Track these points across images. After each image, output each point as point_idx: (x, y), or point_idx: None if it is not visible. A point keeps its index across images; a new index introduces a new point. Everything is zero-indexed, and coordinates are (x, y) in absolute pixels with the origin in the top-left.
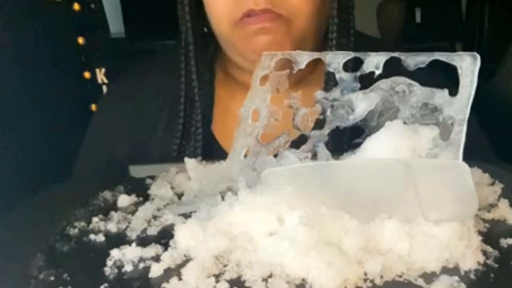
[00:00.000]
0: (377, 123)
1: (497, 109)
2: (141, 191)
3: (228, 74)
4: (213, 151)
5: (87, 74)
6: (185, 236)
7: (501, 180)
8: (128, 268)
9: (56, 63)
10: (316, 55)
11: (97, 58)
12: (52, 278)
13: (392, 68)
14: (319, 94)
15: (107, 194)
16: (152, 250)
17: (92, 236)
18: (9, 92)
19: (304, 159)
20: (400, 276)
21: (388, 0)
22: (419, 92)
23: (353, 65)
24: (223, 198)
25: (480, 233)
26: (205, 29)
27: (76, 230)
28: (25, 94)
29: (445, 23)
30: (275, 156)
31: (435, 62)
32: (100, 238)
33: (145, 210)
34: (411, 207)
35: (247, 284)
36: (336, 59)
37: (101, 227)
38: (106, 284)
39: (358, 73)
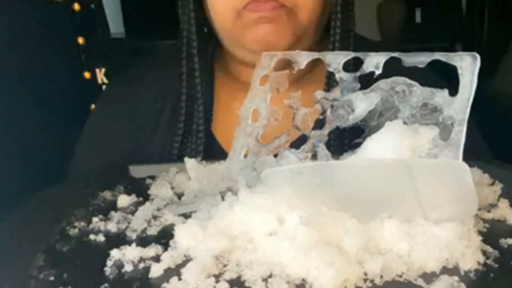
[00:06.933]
0: (377, 123)
1: (497, 109)
2: (141, 191)
3: (228, 73)
4: (213, 151)
5: (87, 74)
6: (185, 236)
7: (501, 180)
8: (128, 268)
9: (56, 63)
10: (316, 55)
11: (97, 58)
12: (52, 278)
13: (392, 68)
14: (319, 94)
15: (107, 194)
16: (152, 250)
17: (92, 236)
18: (9, 92)
19: (304, 159)
20: (400, 276)
21: (388, 0)
22: (419, 92)
23: (353, 65)
24: (223, 198)
25: (480, 233)
26: (205, 29)
27: (76, 230)
28: (25, 94)
29: (445, 23)
30: (275, 156)
31: (435, 62)
32: (100, 238)
33: (145, 210)
34: (411, 207)
35: (247, 284)
36: (336, 59)
37: (101, 227)
38: (106, 284)
39: (358, 73)
